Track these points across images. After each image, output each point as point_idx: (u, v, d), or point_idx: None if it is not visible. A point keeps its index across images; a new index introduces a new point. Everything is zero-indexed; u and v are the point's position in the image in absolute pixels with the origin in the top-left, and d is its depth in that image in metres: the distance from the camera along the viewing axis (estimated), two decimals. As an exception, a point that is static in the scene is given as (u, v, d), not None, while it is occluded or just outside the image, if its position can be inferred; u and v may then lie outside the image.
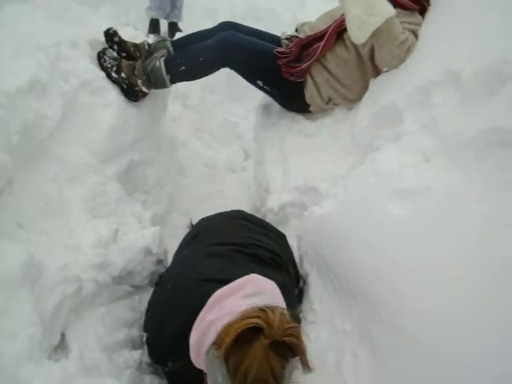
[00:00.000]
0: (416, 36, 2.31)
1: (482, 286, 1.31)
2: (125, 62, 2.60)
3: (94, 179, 2.30)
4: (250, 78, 2.71)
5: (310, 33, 2.66)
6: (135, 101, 2.65)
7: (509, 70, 1.57)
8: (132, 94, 2.62)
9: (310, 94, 2.58)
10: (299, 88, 2.59)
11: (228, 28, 2.83)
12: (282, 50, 2.61)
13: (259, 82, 2.68)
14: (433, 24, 2.29)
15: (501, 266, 1.29)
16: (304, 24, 2.84)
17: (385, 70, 2.33)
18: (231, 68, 2.67)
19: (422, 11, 2.47)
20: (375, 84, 2.36)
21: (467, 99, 1.69)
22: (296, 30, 2.86)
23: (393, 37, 2.19)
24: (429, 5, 2.48)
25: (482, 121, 1.57)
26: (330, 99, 2.58)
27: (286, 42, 2.74)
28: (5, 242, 1.81)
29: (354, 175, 1.96)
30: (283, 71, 2.56)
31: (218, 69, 2.68)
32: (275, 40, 2.81)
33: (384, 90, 2.21)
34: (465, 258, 1.39)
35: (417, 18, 2.43)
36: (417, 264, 1.47)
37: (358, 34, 2.20)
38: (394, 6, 2.34)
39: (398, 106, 1.99)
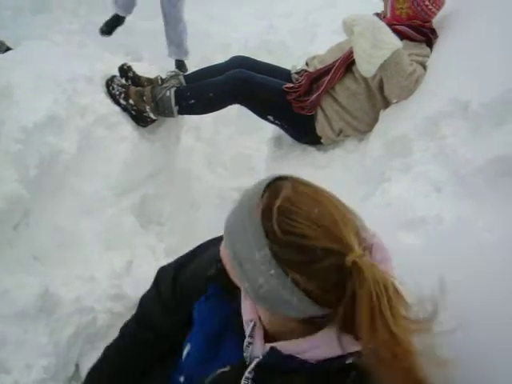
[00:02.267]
0: (424, 67, 2.34)
1: (498, 312, 1.30)
2: (133, 89, 2.65)
3: (108, 212, 2.34)
4: (261, 113, 2.76)
5: (319, 66, 2.71)
6: (144, 126, 2.69)
7: (517, 101, 1.59)
8: (141, 119, 2.67)
9: (321, 126, 2.61)
10: (310, 121, 2.63)
11: (239, 62, 2.88)
12: (291, 85, 2.66)
13: (270, 117, 2.72)
14: (441, 55, 2.32)
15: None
16: (314, 57, 2.89)
17: (394, 101, 2.36)
18: (241, 104, 2.72)
19: (429, 43, 2.51)
20: (385, 115, 2.39)
21: (476, 129, 1.71)
22: (306, 64, 2.91)
23: (401, 69, 2.22)
24: (436, 37, 2.52)
25: (491, 150, 1.58)
26: (341, 131, 2.61)
27: (296, 76, 2.79)
28: (21, 274, 1.85)
29: (365, 206, 1.97)
30: (294, 106, 2.60)
31: (228, 105, 2.73)
32: (285, 74, 2.86)
33: (394, 121, 2.24)
34: (478, 287, 1.39)
35: (424, 49, 2.47)
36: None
37: (366, 67, 2.24)
38: (401, 38, 2.39)
39: (408, 136, 2.01)
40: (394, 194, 1.84)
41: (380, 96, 2.46)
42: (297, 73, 2.83)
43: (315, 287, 0.88)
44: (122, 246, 2.31)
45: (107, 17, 4.14)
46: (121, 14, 4.07)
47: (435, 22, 2.60)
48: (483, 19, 2.17)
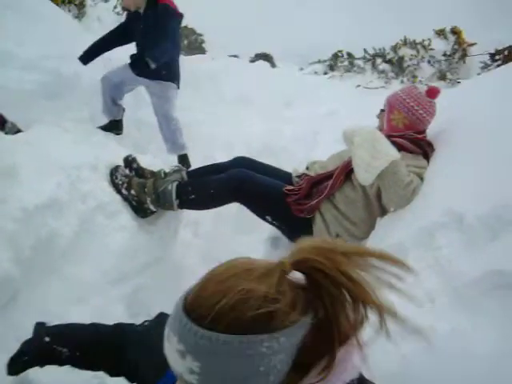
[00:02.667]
0: (421, 178, 2.40)
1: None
2: (135, 180, 2.70)
3: (98, 300, 2.31)
4: (260, 213, 2.79)
5: (320, 171, 2.78)
6: (143, 217, 2.72)
7: (510, 215, 1.62)
8: (140, 211, 2.70)
9: (319, 229, 2.63)
10: (308, 224, 2.65)
11: (242, 163, 2.95)
12: (291, 187, 2.71)
13: (268, 217, 2.75)
14: (437, 167, 2.39)
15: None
16: (315, 162, 2.96)
17: (392, 210, 2.40)
18: (241, 203, 2.76)
19: (426, 155, 2.60)
20: (382, 223, 2.42)
21: (470, 241, 1.72)
22: (307, 168, 2.98)
23: (398, 179, 2.28)
24: (432, 150, 2.61)
25: (486, 263, 1.59)
26: (337, 236, 2.63)
27: (297, 179, 2.85)
28: (2, 356, 1.79)
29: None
30: (293, 209, 2.63)
31: (228, 203, 2.77)
32: (287, 177, 2.92)
33: (390, 230, 2.26)
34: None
35: (421, 161, 2.55)
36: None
37: (364, 175, 2.30)
38: (399, 150, 2.47)
39: (403, 246, 2.01)
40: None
41: (377, 204, 2.50)
42: (298, 176, 2.89)
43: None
44: (109, 336, 2.26)
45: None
46: (112, 118, 4.21)
47: (432, 136, 2.69)
48: (478, 135, 2.25)
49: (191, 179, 2.90)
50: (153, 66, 3.73)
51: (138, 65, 3.86)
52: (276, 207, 2.71)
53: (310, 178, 2.74)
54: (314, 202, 2.62)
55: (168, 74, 4.18)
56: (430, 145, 2.64)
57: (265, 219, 2.78)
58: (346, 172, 2.58)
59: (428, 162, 2.57)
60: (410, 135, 2.65)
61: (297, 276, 0.91)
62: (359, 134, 2.31)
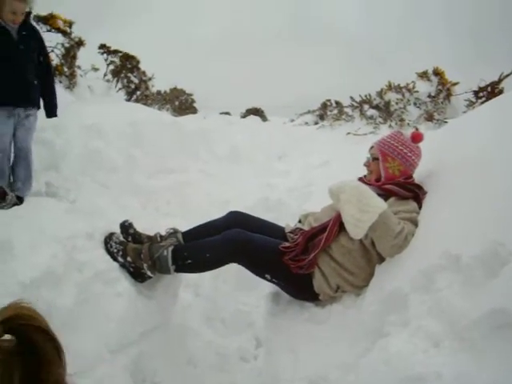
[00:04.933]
0: (413, 222, 2.42)
1: None
2: (131, 246, 2.69)
3: (102, 370, 2.27)
4: (258, 272, 2.78)
5: (314, 224, 2.79)
6: (141, 282, 2.70)
7: (506, 253, 1.62)
8: (138, 276, 2.68)
9: (319, 283, 2.62)
10: (307, 279, 2.64)
11: (236, 219, 2.96)
12: (287, 245, 2.71)
13: (267, 276, 2.74)
14: (431, 210, 2.41)
15: None
16: (307, 215, 2.98)
17: (388, 258, 2.40)
18: (239, 264, 2.75)
19: (416, 198, 2.62)
20: (380, 270, 2.43)
21: (469, 282, 1.72)
22: (299, 221, 2.99)
23: (389, 228, 2.30)
24: (423, 192, 2.63)
25: (486, 303, 1.58)
26: (338, 287, 2.62)
27: (291, 235, 2.86)
28: None
29: (364, 363, 1.93)
30: (291, 267, 2.63)
31: (225, 265, 2.76)
32: (282, 232, 2.93)
33: (389, 276, 2.27)
34: None
35: (411, 205, 2.57)
36: None
37: (355, 231, 2.32)
38: (389, 197, 2.50)
39: (403, 291, 2.02)
40: (392, 350, 1.81)
41: (374, 251, 2.51)
42: (291, 232, 2.90)
43: None
44: (115, 407, 2.22)
45: (114, 175, 4.33)
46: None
47: (423, 179, 2.73)
48: (468, 174, 2.27)
49: (186, 244, 2.89)
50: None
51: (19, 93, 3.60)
52: (274, 266, 2.70)
53: (305, 232, 2.75)
54: (311, 256, 2.61)
55: (38, 99, 3.89)
56: (419, 188, 2.67)
57: (264, 278, 2.77)
58: (340, 223, 2.59)
59: (420, 204, 2.59)
60: (399, 180, 2.70)
61: None
62: (344, 191, 2.34)
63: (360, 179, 2.94)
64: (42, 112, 4.03)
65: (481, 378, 1.46)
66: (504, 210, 1.82)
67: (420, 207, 2.58)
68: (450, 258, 1.86)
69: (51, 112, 4.05)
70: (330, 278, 2.60)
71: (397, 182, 2.71)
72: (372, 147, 2.95)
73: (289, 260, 2.63)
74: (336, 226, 2.61)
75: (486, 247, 1.71)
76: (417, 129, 7.08)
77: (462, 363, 1.55)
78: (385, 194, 2.68)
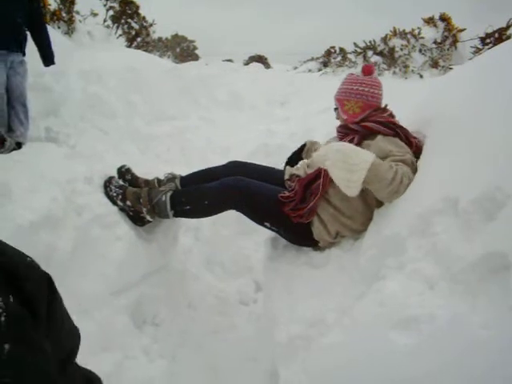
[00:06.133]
0: (407, 163, 2.40)
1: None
2: (130, 190, 2.70)
3: (102, 312, 2.31)
4: (257, 220, 2.78)
5: (309, 171, 2.78)
6: (141, 226, 2.72)
7: (503, 196, 1.61)
8: (138, 219, 2.70)
9: (318, 231, 2.63)
10: (306, 227, 2.65)
11: (235, 167, 2.95)
12: (286, 194, 2.70)
13: (267, 224, 2.75)
14: (429, 155, 2.38)
15: None
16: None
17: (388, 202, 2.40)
18: (237, 211, 2.75)
19: (399, 137, 2.60)
20: (379, 214, 2.43)
21: (466, 226, 1.71)
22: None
23: (382, 178, 2.28)
24: (405, 132, 2.63)
25: (483, 246, 1.58)
26: (337, 233, 2.63)
27: (289, 182, 2.85)
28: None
29: (359, 305, 1.95)
30: (292, 216, 2.63)
31: (223, 211, 2.76)
32: (281, 176, 2.92)
33: (387, 220, 2.27)
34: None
35: (399, 144, 2.56)
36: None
37: (349, 191, 2.33)
38: (374, 135, 2.50)
39: (400, 235, 2.01)
40: (388, 292, 1.82)
41: (372, 194, 2.50)
42: (288, 179, 2.89)
43: None
44: (115, 347, 2.26)
45: (114, 121, 4.30)
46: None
47: (421, 127, 2.70)
48: (466, 123, 2.24)
49: (185, 189, 2.89)
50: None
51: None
52: (273, 214, 2.70)
53: (301, 180, 2.74)
54: (312, 204, 2.61)
55: (25, 44, 3.85)
56: (401, 128, 2.66)
57: (263, 225, 2.78)
58: None
59: (406, 143, 2.58)
60: (374, 115, 2.69)
61: None
62: (328, 158, 2.32)
63: (340, 126, 2.92)
64: (38, 59, 3.98)
65: (474, 320, 1.47)
66: (501, 153, 1.81)
67: (416, 152, 2.56)
68: (448, 202, 1.85)
69: (48, 60, 4.00)
70: (329, 224, 2.61)
71: (376, 119, 2.70)
72: None
73: (289, 210, 2.63)
74: None
75: (483, 191, 1.70)
76: (421, 76, 7.01)
77: (457, 305, 1.56)
78: (368, 133, 2.66)
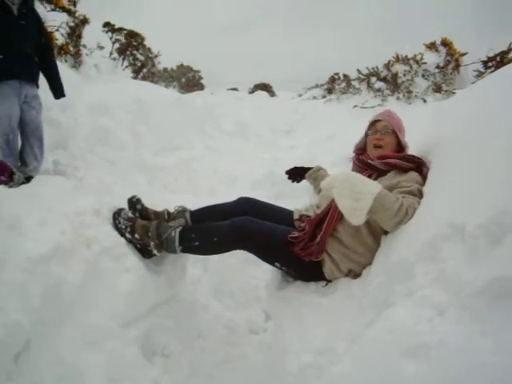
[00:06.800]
0: (414, 194, 2.42)
1: None
2: (139, 223, 2.71)
3: (112, 344, 2.31)
4: (267, 260, 2.81)
5: (318, 211, 2.80)
6: (148, 258, 2.73)
7: (510, 220, 1.62)
8: (145, 252, 2.71)
9: (330, 270, 2.63)
10: (317, 267, 2.66)
11: (245, 204, 2.98)
12: (295, 235, 2.71)
13: (277, 264, 2.76)
14: (435, 181, 2.40)
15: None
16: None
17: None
18: (247, 251, 2.76)
19: (418, 167, 2.63)
20: (386, 241, 2.43)
21: (473, 251, 1.72)
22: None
23: (387, 209, 2.30)
24: (426, 163, 2.64)
25: (490, 271, 1.58)
26: (349, 271, 2.63)
27: (298, 223, 2.87)
28: (18, 408, 1.80)
29: (369, 333, 1.95)
30: (302, 256, 2.63)
31: (232, 251, 2.78)
32: (290, 217, 2.95)
33: (394, 247, 2.27)
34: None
35: (411, 175, 2.58)
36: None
37: (354, 220, 2.34)
38: (388, 171, 2.52)
39: (408, 261, 2.02)
40: (397, 319, 1.82)
41: (380, 228, 2.51)
42: (298, 219, 2.91)
43: None
44: (125, 378, 2.25)
45: (121, 153, 4.35)
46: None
47: (428, 151, 2.73)
48: (471, 147, 2.26)
49: (195, 225, 2.90)
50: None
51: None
52: (283, 255, 2.72)
53: (311, 220, 2.76)
54: (319, 238, 2.63)
55: (38, 76, 3.95)
56: (419, 158, 2.69)
57: (273, 265, 2.79)
58: None
59: (423, 175, 2.60)
60: (400, 154, 2.75)
61: None
62: (335, 186, 2.34)
63: (359, 156, 2.96)
64: (48, 92, 4.04)
65: (485, 346, 1.47)
66: (506, 177, 1.82)
67: (424, 178, 2.58)
68: (454, 227, 1.86)
69: (59, 92, 4.07)
70: (341, 263, 2.61)
71: (398, 155, 2.74)
72: (379, 121, 2.95)
73: (299, 250, 2.63)
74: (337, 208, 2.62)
75: (489, 215, 1.71)
76: (424, 100, 7.05)
77: (466, 331, 1.56)
78: (387, 170, 2.69)
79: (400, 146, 2.90)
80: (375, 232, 2.55)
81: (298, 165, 3.55)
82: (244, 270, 3.52)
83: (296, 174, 3.48)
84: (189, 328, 2.95)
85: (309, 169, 3.43)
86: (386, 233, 2.49)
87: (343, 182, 2.32)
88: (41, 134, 3.85)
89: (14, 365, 1.94)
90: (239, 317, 3.24)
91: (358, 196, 2.27)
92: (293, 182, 3.50)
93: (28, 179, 3.43)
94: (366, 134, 3.02)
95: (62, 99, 4.21)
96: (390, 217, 2.31)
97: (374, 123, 2.97)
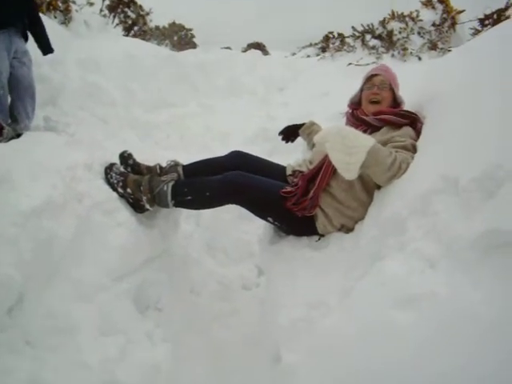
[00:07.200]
0: (407, 149, 2.41)
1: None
2: (131, 178, 2.69)
3: (104, 297, 2.32)
4: (260, 215, 2.79)
5: (311, 166, 2.78)
6: (141, 213, 2.72)
7: (503, 174, 1.61)
8: (137, 207, 2.70)
9: (323, 225, 2.62)
10: (310, 222, 2.65)
11: (237, 158, 2.95)
12: (288, 189, 2.70)
13: (269, 219, 2.74)
14: (429, 135, 2.39)
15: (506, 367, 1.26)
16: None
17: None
18: (239, 205, 2.75)
19: (413, 123, 2.61)
20: (379, 195, 2.43)
21: (466, 204, 1.72)
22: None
23: (380, 163, 2.28)
24: (421, 119, 2.63)
25: (483, 224, 1.58)
26: (342, 226, 2.62)
27: (291, 178, 2.85)
28: (11, 359, 1.81)
29: (360, 286, 1.96)
30: (295, 211, 2.62)
31: (224, 205, 2.76)
32: (283, 173, 2.93)
33: (387, 201, 2.27)
34: (477, 362, 1.35)
35: (405, 130, 2.57)
36: (422, 372, 1.43)
37: (348, 174, 2.31)
38: (382, 127, 2.50)
39: (401, 215, 2.02)
40: (389, 272, 1.83)
41: (372, 182, 2.50)
42: (291, 175, 2.89)
43: None
44: (117, 331, 2.27)
45: (113, 109, 4.30)
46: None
47: (422, 106, 2.71)
48: (465, 102, 2.24)
49: (187, 180, 2.89)
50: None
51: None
52: (276, 210, 2.70)
53: (304, 175, 2.74)
54: (312, 193, 2.61)
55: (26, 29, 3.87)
56: (414, 113, 2.68)
57: (266, 220, 2.78)
58: None
59: (417, 131, 2.58)
60: (395, 109, 2.74)
61: None
62: (327, 140, 2.31)
63: (353, 111, 2.93)
64: (36, 48, 3.97)
65: (475, 297, 1.47)
66: (501, 131, 1.81)
67: (418, 134, 2.57)
68: (448, 181, 1.85)
69: (46, 48, 3.99)
70: (334, 218, 2.60)
71: (393, 110, 2.71)
72: (376, 75, 2.90)
73: (291, 205, 2.62)
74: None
75: (483, 169, 1.70)
76: (419, 58, 6.99)
77: (458, 283, 1.57)
78: (381, 126, 2.67)
79: (396, 102, 2.86)
80: (368, 187, 2.54)
81: (291, 122, 3.52)
82: (237, 226, 3.53)
83: (289, 133, 3.45)
84: (182, 283, 2.97)
85: (302, 125, 3.40)
86: (379, 187, 2.48)
87: (336, 136, 2.29)
88: (33, 91, 3.79)
89: (8, 318, 1.95)
90: (232, 272, 3.27)
91: (350, 150, 2.25)
92: (287, 142, 3.47)
93: (18, 136, 3.39)
94: (362, 89, 2.98)
95: (52, 55, 4.14)
96: (383, 171, 2.30)
97: (370, 78, 2.92)
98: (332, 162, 2.34)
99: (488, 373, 1.28)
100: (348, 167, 2.28)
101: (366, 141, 2.29)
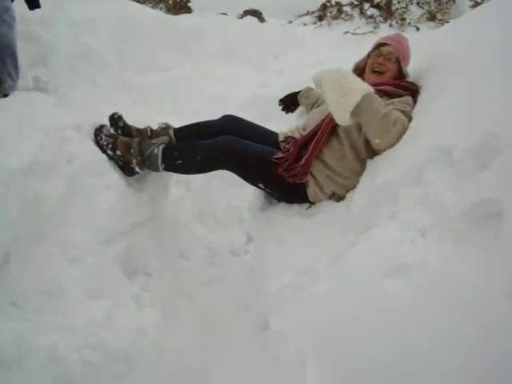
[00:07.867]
0: (405, 114, 2.38)
1: (479, 356, 1.25)
2: (121, 140, 2.66)
3: (92, 260, 2.29)
4: (250, 181, 2.75)
5: (304, 133, 2.74)
6: (130, 176, 2.69)
7: (498, 144, 1.60)
8: (127, 170, 2.66)
9: (313, 192, 2.60)
10: (301, 189, 2.62)
11: (230, 123, 2.91)
12: (280, 155, 2.66)
13: (260, 185, 2.71)
14: (423, 105, 2.37)
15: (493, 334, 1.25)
16: (297, 127, 2.95)
17: (379, 147, 2.37)
18: (229, 171, 2.71)
19: (414, 94, 2.58)
20: (372, 164, 2.41)
21: (460, 174, 1.71)
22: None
23: (374, 110, 2.26)
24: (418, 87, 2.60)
25: (475, 194, 1.57)
26: (333, 193, 2.60)
27: (283, 144, 2.81)
28: (-3, 320, 1.80)
29: (351, 254, 1.95)
30: (285, 177, 2.59)
31: (215, 170, 2.73)
32: (275, 139, 2.89)
33: (380, 170, 2.26)
34: (465, 332, 1.35)
35: (405, 98, 2.53)
36: (412, 339, 1.43)
37: (340, 115, 2.26)
38: (381, 96, 2.46)
39: (393, 184, 2.01)
40: (380, 241, 1.82)
41: (366, 153, 2.47)
42: (283, 141, 2.85)
43: None
44: (104, 294, 2.26)
45: (105, 71, 4.23)
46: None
47: (418, 76, 2.68)
48: (462, 73, 2.23)
49: (178, 143, 2.85)
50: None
51: None
52: (267, 175, 2.67)
53: (297, 141, 2.71)
54: (304, 160, 2.57)
55: None
56: (414, 84, 2.64)
57: (257, 186, 2.75)
58: (332, 126, 2.55)
59: (415, 100, 2.55)
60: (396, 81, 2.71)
61: None
62: (326, 77, 2.27)
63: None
64: (24, 5, 3.87)
65: (465, 267, 1.47)
66: (496, 102, 1.79)
67: (415, 104, 2.54)
68: (442, 151, 1.84)
69: (32, 2, 3.86)
70: (325, 186, 2.58)
71: (393, 82, 2.67)
72: (386, 45, 2.83)
73: (283, 171, 2.59)
74: (328, 129, 2.56)
75: (477, 140, 1.69)
76: (417, 29, 6.91)
77: (448, 252, 1.56)
78: (380, 96, 2.63)
79: (401, 74, 2.80)
80: (361, 156, 2.51)
81: (285, 90, 3.48)
82: (227, 192, 3.51)
83: (290, 102, 3.41)
84: (170, 248, 2.96)
85: (300, 92, 3.38)
86: (372, 157, 2.46)
87: (334, 73, 2.25)
88: (13, 50, 3.59)
89: (-6, 278, 1.93)
90: (221, 238, 3.26)
91: (347, 91, 2.21)
92: (287, 112, 3.44)
93: (6, 96, 3.31)
94: (369, 55, 2.92)
95: (42, 13, 4.03)
96: (376, 120, 2.26)
97: (379, 46, 2.86)
98: (326, 100, 2.29)
99: (476, 339, 1.28)
100: (341, 107, 2.22)
101: (364, 86, 2.26)
